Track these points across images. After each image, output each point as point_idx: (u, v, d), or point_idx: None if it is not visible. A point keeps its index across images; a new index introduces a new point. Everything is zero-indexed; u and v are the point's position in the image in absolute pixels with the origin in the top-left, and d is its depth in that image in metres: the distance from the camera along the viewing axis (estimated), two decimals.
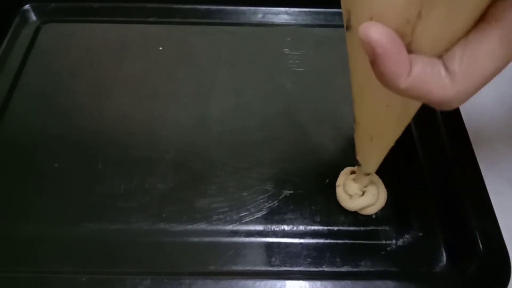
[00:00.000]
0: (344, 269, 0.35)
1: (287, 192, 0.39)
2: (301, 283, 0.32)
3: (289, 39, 0.51)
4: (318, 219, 0.38)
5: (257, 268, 0.35)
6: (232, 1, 0.54)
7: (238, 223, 0.37)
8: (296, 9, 0.54)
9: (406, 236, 0.37)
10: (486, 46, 0.20)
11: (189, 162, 0.41)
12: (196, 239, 0.36)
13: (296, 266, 0.35)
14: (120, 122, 0.44)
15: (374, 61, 0.20)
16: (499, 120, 0.46)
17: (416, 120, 0.44)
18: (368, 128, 0.30)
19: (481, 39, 0.20)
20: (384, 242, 0.36)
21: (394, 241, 0.36)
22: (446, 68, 0.21)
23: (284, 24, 0.53)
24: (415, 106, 0.27)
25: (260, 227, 0.37)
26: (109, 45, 0.50)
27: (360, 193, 0.37)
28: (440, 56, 0.21)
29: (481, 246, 0.33)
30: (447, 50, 0.21)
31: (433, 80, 0.21)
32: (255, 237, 0.37)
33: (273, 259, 0.35)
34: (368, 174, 0.36)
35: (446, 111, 0.24)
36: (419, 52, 0.21)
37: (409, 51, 0.21)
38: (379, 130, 0.30)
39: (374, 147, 0.32)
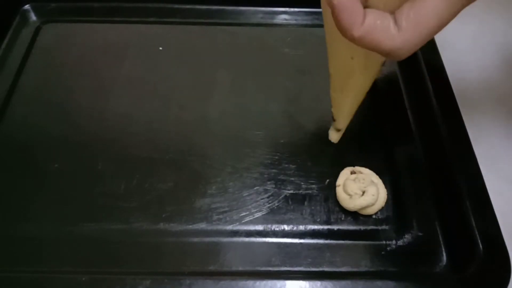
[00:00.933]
0: (344, 269, 0.35)
1: (287, 192, 0.39)
2: (301, 283, 0.32)
3: (289, 39, 0.51)
4: (318, 219, 0.38)
5: (257, 268, 0.35)
6: (232, 1, 0.54)
7: (238, 223, 0.37)
8: (296, 9, 0.54)
9: (406, 236, 0.37)
10: (430, 2, 0.23)
11: (189, 162, 0.41)
12: (196, 239, 0.36)
13: (296, 266, 0.35)
14: (120, 122, 0.44)
15: (333, 13, 0.24)
16: (499, 120, 0.46)
17: (417, 120, 0.44)
18: (338, 80, 0.35)
19: None
20: (384, 242, 0.36)
21: (394, 241, 0.36)
22: (395, 21, 0.24)
23: (284, 24, 0.53)
24: (377, 59, 0.31)
25: (260, 227, 0.37)
26: (109, 45, 0.50)
27: (360, 193, 0.37)
28: (392, 12, 0.25)
29: (481, 246, 0.33)
30: (399, 7, 0.24)
31: (382, 30, 0.24)
32: (255, 237, 0.37)
33: (273, 259, 0.35)
34: (339, 130, 0.40)
35: (397, 60, 0.29)
36: (375, 8, 0.25)
37: (366, 7, 0.24)
38: (347, 80, 0.34)
39: (344, 98, 0.37)
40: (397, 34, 0.24)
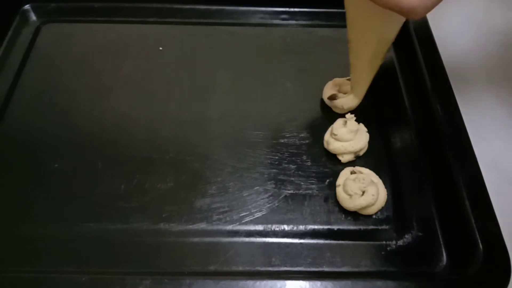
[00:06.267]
0: (344, 269, 0.35)
1: (287, 192, 0.39)
2: (301, 283, 0.32)
3: (289, 39, 0.51)
4: (318, 219, 0.38)
5: (257, 268, 0.35)
6: (232, 1, 0.54)
7: (238, 223, 0.37)
8: (296, 9, 0.54)
9: (406, 236, 0.37)
10: None
11: (189, 162, 0.41)
12: (196, 239, 0.36)
13: (296, 266, 0.35)
14: (120, 122, 0.44)
15: None
16: (500, 120, 0.46)
17: (417, 120, 0.44)
18: (356, 46, 0.39)
19: None
20: (384, 242, 0.36)
21: (394, 241, 0.36)
22: None
23: (284, 24, 0.53)
24: (392, 26, 0.36)
25: (260, 227, 0.37)
26: (109, 45, 0.50)
27: (360, 193, 0.37)
28: None
29: (481, 246, 0.33)
30: None
31: None
32: (255, 237, 0.37)
33: (273, 259, 0.35)
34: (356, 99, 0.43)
35: (416, 21, 0.33)
36: None
37: None
38: (364, 47, 0.38)
39: (361, 64, 0.40)
40: None
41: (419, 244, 0.36)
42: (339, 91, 0.44)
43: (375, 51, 0.38)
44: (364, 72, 0.41)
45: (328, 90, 0.45)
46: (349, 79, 0.44)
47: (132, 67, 0.48)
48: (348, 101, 0.43)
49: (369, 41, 0.37)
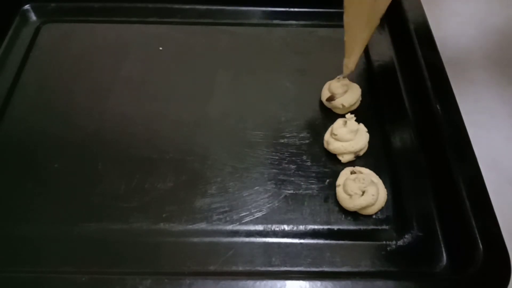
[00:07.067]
0: (344, 269, 0.35)
1: (287, 192, 0.39)
2: (301, 283, 0.32)
3: (289, 39, 0.51)
4: (318, 219, 0.38)
5: (257, 268, 0.35)
6: (232, 1, 0.54)
7: (238, 223, 0.37)
8: (296, 9, 0.54)
9: (406, 236, 0.37)
10: None
11: (189, 162, 0.41)
12: (196, 239, 0.36)
13: (296, 266, 0.35)
14: (120, 122, 0.44)
15: None
16: (500, 120, 0.46)
17: (417, 121, 0.44)
18: (351, 6, 0.39)
19: None
20: (384, 242, 0.36)
21: (394, 241, 0.36)
22: None
23: (284, 24, 0.53)
24: (379, 12, 0.38)
25: (260, 227, 0.37)
26: (109, 45, 0.50)
27: (360, 193, 0.37)
28: None
29: (481, 246, 0.33)
30: None
31: None
32: (255, 237, 0.37)
33: (273, 259, 0.35)
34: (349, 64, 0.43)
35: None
36: None
37: None
38: (358, 6, 0.38)
39: (356, 24, 0.40)
40: None
41: (419, 244, 0.36)
42: (336, 92, 0.44)
43: (369, 10, 0.38)
44: (358, 31, 0.40)
45: (326, 92, 0.45)
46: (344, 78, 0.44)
47: (132, 67, 0.48)
48: (347, 97, 0.43)
49: (362, 2, 0.38)
